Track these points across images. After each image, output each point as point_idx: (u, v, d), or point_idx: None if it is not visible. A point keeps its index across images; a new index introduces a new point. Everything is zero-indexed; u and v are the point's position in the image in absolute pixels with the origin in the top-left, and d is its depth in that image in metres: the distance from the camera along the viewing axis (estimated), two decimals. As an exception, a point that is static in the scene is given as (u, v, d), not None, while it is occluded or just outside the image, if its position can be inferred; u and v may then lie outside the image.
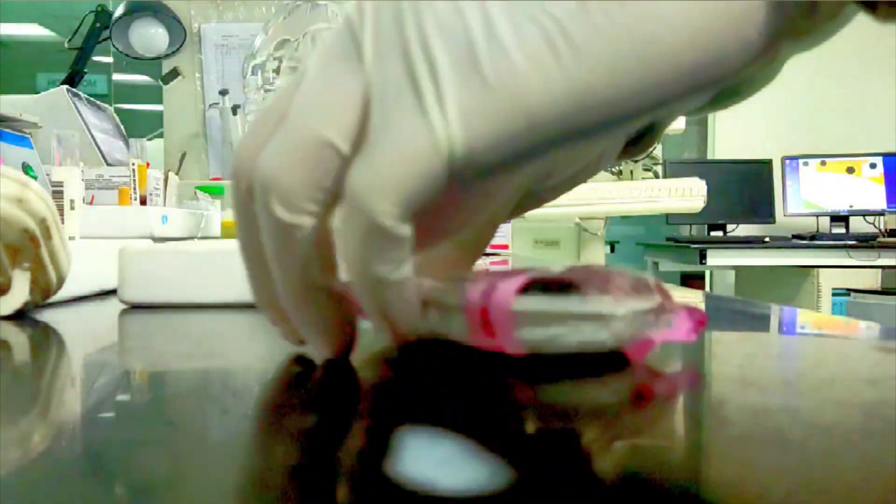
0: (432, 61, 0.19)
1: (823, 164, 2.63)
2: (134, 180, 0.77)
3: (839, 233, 2.53)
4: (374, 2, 0.20)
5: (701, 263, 2.36)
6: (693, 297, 0.45)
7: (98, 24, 1.83)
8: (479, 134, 0.19)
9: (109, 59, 2.57)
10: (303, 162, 0.20)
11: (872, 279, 2.61)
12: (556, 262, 0.25)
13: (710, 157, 2.93)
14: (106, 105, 1.40)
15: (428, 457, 0.15)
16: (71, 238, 0.43)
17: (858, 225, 2.59)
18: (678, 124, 1.42)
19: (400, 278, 0.20)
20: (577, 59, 0.18)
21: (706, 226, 2.63)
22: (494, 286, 0.23)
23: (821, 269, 2.47)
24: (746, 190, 2.63)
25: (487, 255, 1.11)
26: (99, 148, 1.20)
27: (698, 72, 0.18)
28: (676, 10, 0.18)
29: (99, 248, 0.45)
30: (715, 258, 2.37)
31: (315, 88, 0.21)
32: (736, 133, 2.88)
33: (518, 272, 0.23)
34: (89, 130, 1.20)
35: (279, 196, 0.20)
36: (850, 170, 2.61)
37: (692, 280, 2.92)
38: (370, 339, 0.24)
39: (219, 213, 1.08)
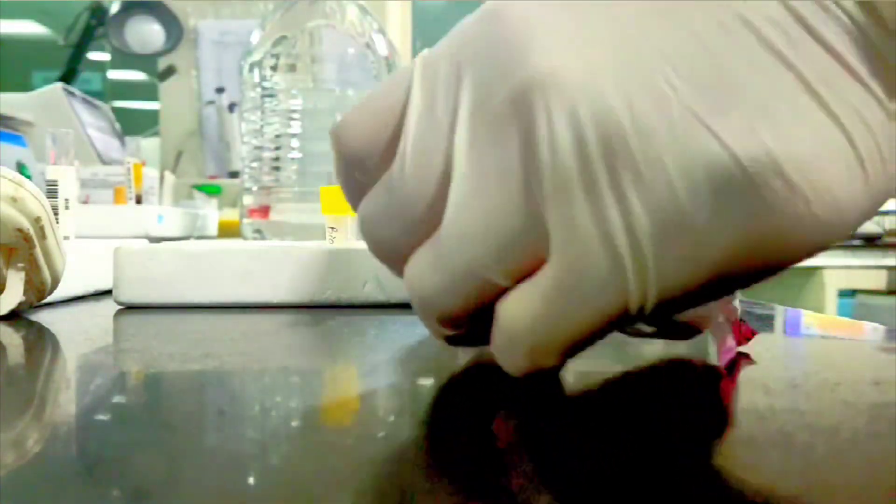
0: (630, 215, 0.17)
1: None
2: (129, 179, 0.77)
3: (845, 233, 2.51)
4: (546, 124, 0.18)
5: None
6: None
7: (93, 21, 1.82)
8: (671, 290, 0.17)
9: (105, 57, 2.57)
10: (464, 295, 0.20)
11: (879, 280, 2.59)
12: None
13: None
14: (101, 103, 1.40)
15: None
16: (66, 238, 0.42)
17: (864, 225, 2.57)
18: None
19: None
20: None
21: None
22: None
23: (826, 269, 2.45)
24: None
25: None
26: (94, 146, 1.20)
27: None
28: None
29: (94, 247, 0.45)
30: (719, 258, 2.36)
31: (474, 218, 0.19)
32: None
33: None
34: (84, 128, 1.20)
35: (439, 317, 0.21)
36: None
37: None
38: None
39: (215, 213, 1.08)
